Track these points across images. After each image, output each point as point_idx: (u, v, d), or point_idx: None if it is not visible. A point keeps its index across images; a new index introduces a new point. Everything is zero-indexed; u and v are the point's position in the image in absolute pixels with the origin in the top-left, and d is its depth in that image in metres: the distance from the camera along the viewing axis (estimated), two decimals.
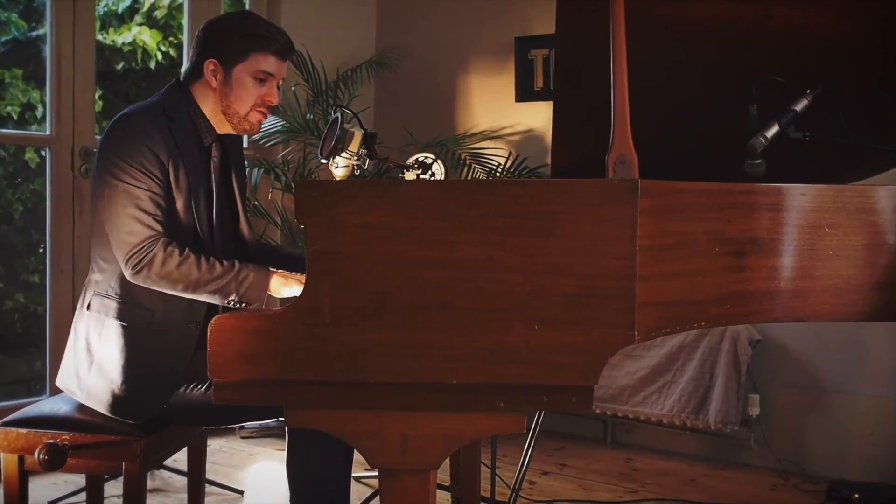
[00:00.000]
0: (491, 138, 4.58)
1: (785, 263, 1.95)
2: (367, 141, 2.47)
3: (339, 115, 2.42)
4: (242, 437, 4.28)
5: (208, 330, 1.69)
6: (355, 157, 2.47)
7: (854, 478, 3.64)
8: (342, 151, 2.44)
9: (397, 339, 1.68)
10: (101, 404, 2.29)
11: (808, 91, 2.20)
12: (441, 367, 1.68)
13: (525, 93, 4.54)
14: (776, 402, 3.90)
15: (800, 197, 1.95)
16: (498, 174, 4.24)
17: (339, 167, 2.55)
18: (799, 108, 2.19)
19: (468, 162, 4.33)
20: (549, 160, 4.23)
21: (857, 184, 2.40)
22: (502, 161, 4.30)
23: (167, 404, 2.30)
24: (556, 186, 1.68)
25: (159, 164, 2.24)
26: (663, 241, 1.74)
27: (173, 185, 2.26)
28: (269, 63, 2.35)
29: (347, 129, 2.42)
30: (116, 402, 2.27)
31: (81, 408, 2.34)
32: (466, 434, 1.75)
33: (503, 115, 4.61)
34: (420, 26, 4.92)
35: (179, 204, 2.28)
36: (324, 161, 2.48)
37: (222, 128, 2.42)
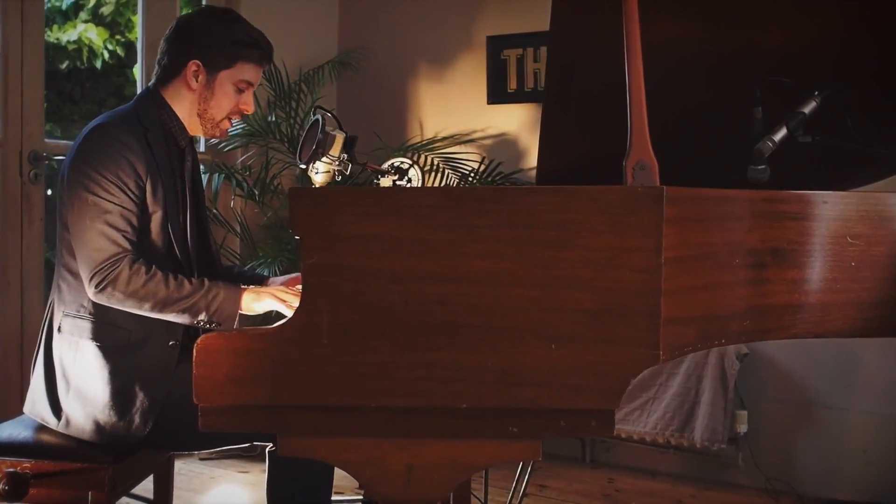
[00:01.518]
0: (462, 142, 4.44)
1: (806, 276, 1.89)
2: (349, 144, 2.37)
3: (318, 117, 2.32)
4: (201, 459, 4.08)
5: (194, 350, 1.59)
6: (336, 162, 2.35)
7: (847, 497, 3.59)
8: (323, 156, 2.32)
9: (401, 360, 1.58)
10: (82, 433, 2.18)
11: (816, 93, 2.12)
12: (448, 390, 1.58)
13: (498, 95, 4.39)
14: (765, 418, 3.80)
15: (821, 205, 1.88)
16: (472, 180, 4.11)
17: (320, 173, 2.44)
18: (807, 110, 2.11)
19: (441, 167, 4.19)
20: (524, 165, 4.18)
21: (858, 190, 2.32)
22: (475, 166, 4.17)
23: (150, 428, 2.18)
24: (575, 194, 1.60)
25: (136, 177, 2.16)
26: (687, 252, 1.68)
27: (150, 200, 2.19)
28: (252, 72, 2.31)
29: (329, 133, 2.31)
30: (100, 428, 2.16)
31: (44, 432, 2.22)
32: (476, 463, 1.66)
33: (474, 118, 4.47)
34: (385, 24, 4.77)
35: (157, 218, 2.20)
36: (303, 167, 2.37)
37: (194, 130, 2.35)
